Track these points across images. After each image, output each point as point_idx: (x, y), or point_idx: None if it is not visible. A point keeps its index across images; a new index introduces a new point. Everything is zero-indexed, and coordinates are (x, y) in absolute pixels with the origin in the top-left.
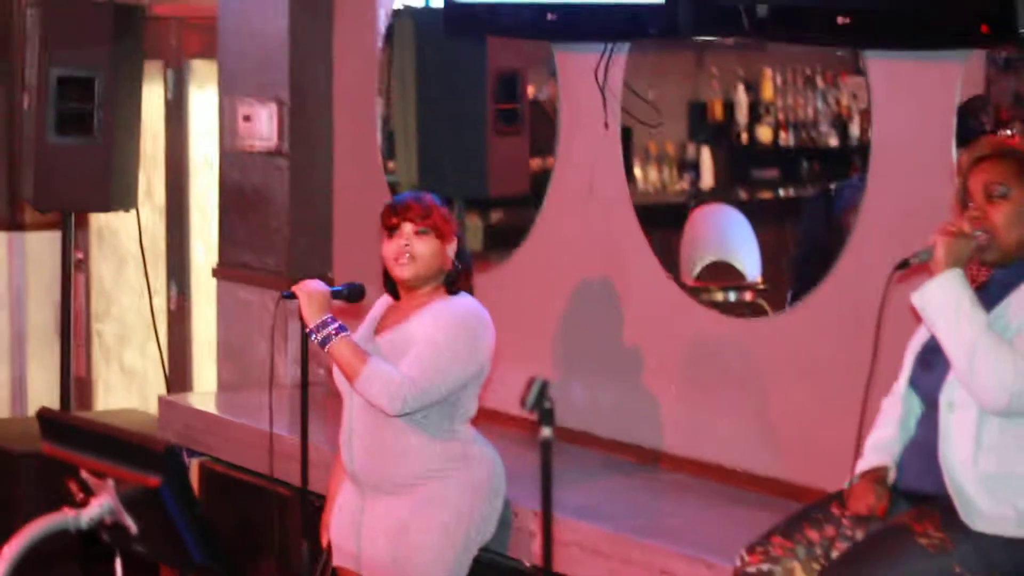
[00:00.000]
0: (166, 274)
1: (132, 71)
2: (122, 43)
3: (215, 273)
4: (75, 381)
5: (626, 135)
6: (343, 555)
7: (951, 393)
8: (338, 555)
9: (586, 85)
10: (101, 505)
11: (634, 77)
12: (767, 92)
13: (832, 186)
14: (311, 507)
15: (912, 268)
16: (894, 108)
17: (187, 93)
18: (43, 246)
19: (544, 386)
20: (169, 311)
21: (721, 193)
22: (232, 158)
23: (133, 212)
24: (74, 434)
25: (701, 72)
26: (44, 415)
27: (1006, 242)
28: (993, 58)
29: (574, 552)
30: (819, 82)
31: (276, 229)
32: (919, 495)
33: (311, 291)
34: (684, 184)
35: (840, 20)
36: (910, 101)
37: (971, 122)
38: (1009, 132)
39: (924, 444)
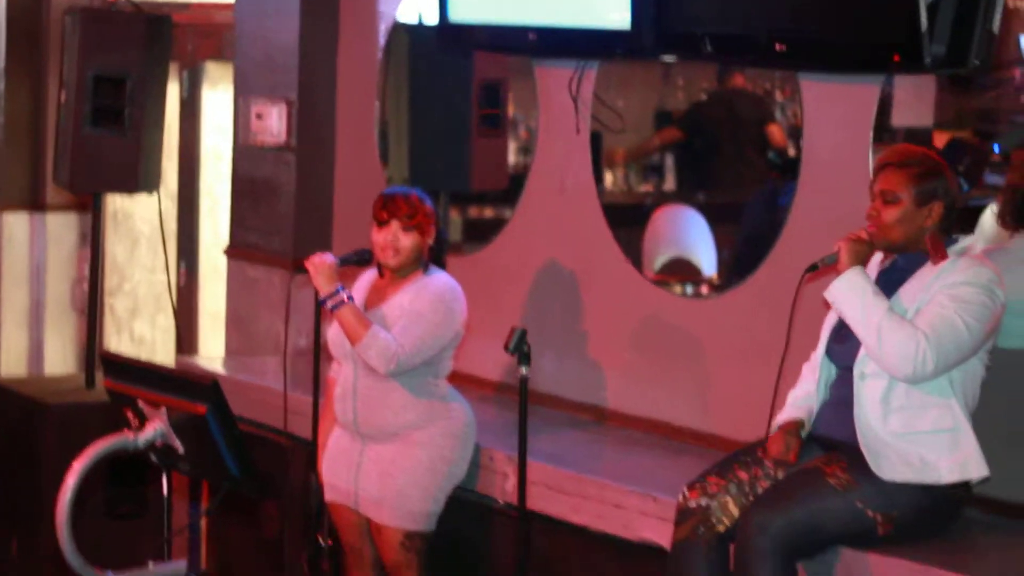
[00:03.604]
0: (176, 253)
1: (159, 73)
2: (151, 48)
3: (227, 252)
4: (86, 349)
5: (596, 141)
6: (339, 493)
7: (863, 366)
8: (332, 492)
9: (561, 95)
10: (154, 430)
11: (605, 88)
12: None
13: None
14: (314, 449)
15: (823, 271)
16: (822, 122)
17: (200, 92)
18: (61, 226)
19: (523, 334)
20: (178, 287)
21: (682, 196)
22: (244, 151)
23: (147, 197)
24: (132, 371)
25: (667, 85)
26: (107, 356)
27: (892, 236)
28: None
29: (541, 490)
30: (778, 96)
31: (283, 215)
32: (830, 442)
33: (320, 264)
34: (648, 186)
35: (778, 47)
36: (835, 117)
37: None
38: None
39: (836, 401)
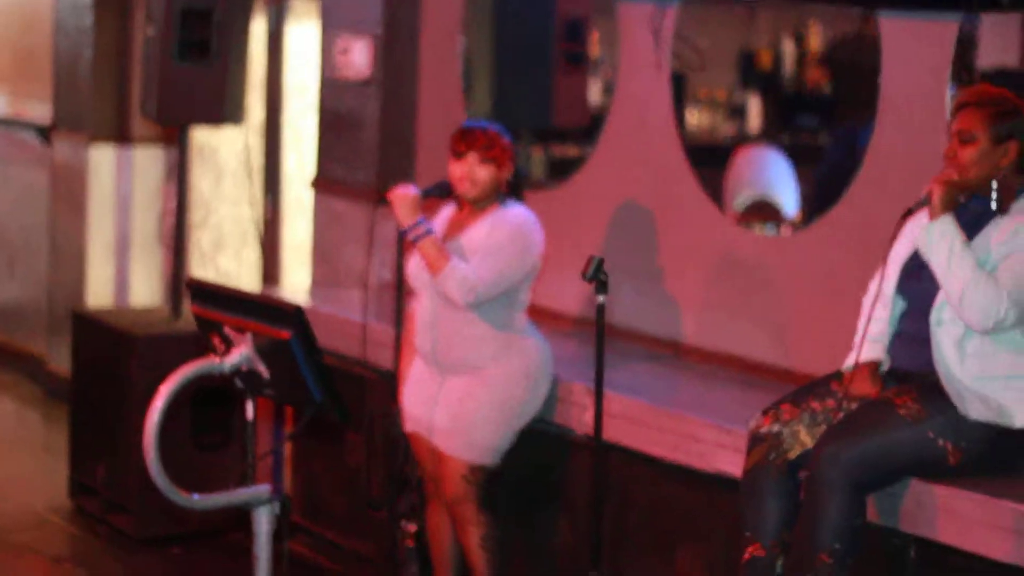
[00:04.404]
0: (262, 187)
1: (244, 5)
2: None
3: (313, 185)
4: (172, 281)
5: (678, 82)
6: (417, 423)
7: (939, 313)
8: (412, 423)
9: (643, 33)
10: (240, 355)
11: (687, 28)
12: (813, 44)
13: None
14: (395, 380)
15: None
16: (899, 61)
17: (285, 26)
18: (147, 159)
19: (601, 262)
20: (264, 220)
21: (766, 136)
22: (330, 85)
23: (232, 132)
24: (219, 297)
25: (750, 25)
26: (193, 283)
27: (968, 175)
28: None
29: (619, 422)
30: (833, 34)
31: (367, 148)
32: (902, 374)
33: (402, 195)
34: (732, 127)
35: None
36: (913, 55)
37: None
38: None
39: (908, 335)
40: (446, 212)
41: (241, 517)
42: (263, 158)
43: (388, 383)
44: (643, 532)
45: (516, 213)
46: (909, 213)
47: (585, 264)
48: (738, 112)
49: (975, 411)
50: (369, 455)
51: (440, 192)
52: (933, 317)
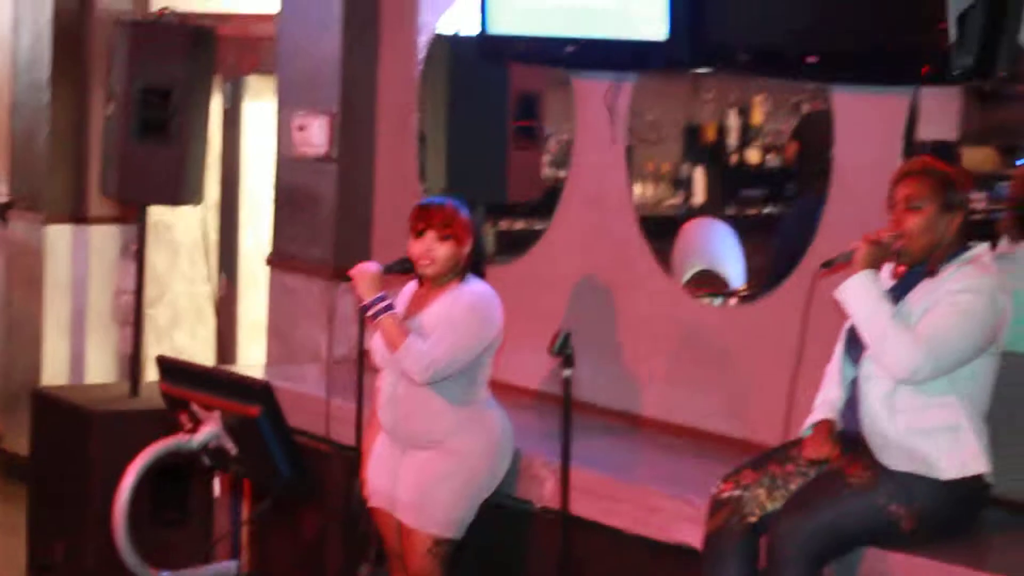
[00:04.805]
0: (217, 263)
1: (203, 84)
2: (196, 60)
3: (269, 262)
4: (127, 359)
5: (628, 154)
6: (380, 497)
7: (868, 368)
8: (375, 497)
9: (598, 107)
10: (209, 431)
11: (639, 101)
12: (757, 117)
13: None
14: (357, 455)
15: (839, 267)
16: (852, 134)
17: (241, 103)
18: (103, 238)
19: (568, 336)
20: (218, 296)
21: (711, 208)
22: (287, 162)
23: (188, 209)
24: (187, 375)
25: (697, 98)
26: (162, 361)
27: (915, 245)
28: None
29: (577, 494)
30: (804, 108)
31: (323, 225)
32: (851, 436)
33: (364, 272)
34: (677, 199)
35: (809, 60)
36: (865, 127)
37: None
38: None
39: (855, 399)
40: (409, 289)
41: None
42: (219, 234)
43: (347, 459)
44: None
45: (473, 290)
46: (828, 265)
47: (552, 338)
48: (683, 184)
49: (897, 463)
50: (329, 530)
51: (402, 268)
52: (863, 372)
